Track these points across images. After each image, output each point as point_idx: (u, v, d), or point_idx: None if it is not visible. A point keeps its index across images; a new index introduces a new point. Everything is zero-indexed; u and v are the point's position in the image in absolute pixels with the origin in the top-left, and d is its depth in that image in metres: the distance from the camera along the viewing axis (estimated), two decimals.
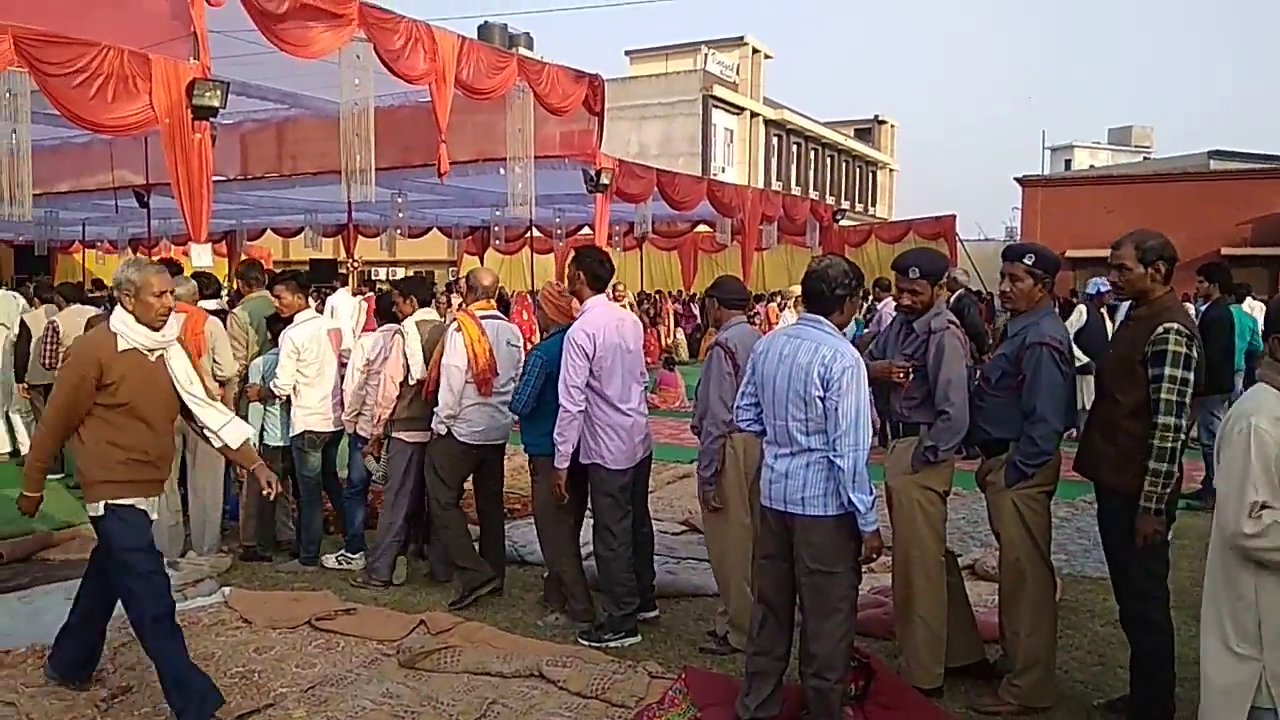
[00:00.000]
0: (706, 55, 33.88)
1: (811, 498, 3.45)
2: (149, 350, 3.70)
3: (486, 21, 32.80)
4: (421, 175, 13.32)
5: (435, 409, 5.08)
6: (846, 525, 3.45)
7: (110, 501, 3.62)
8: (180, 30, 8.16)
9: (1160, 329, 3.53)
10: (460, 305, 6.10)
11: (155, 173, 12.77)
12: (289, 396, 5.72)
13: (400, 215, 15.81)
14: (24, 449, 8.77)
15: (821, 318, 3.53)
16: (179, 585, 5.08)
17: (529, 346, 5.62)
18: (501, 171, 11.99)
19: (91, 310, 7.86)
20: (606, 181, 12.54)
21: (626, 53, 36.77)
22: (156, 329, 3.69)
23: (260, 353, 6.12)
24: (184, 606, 4.77)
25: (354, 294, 13.88)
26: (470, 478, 5.36)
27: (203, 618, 4.62)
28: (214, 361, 5.82)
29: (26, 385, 8.32)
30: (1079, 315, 9.75)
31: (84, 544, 6.07)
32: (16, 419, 9.05)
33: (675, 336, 21.55)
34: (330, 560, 5.79)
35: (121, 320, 3.66)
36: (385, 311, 5.79)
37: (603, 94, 12.41)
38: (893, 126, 51.57)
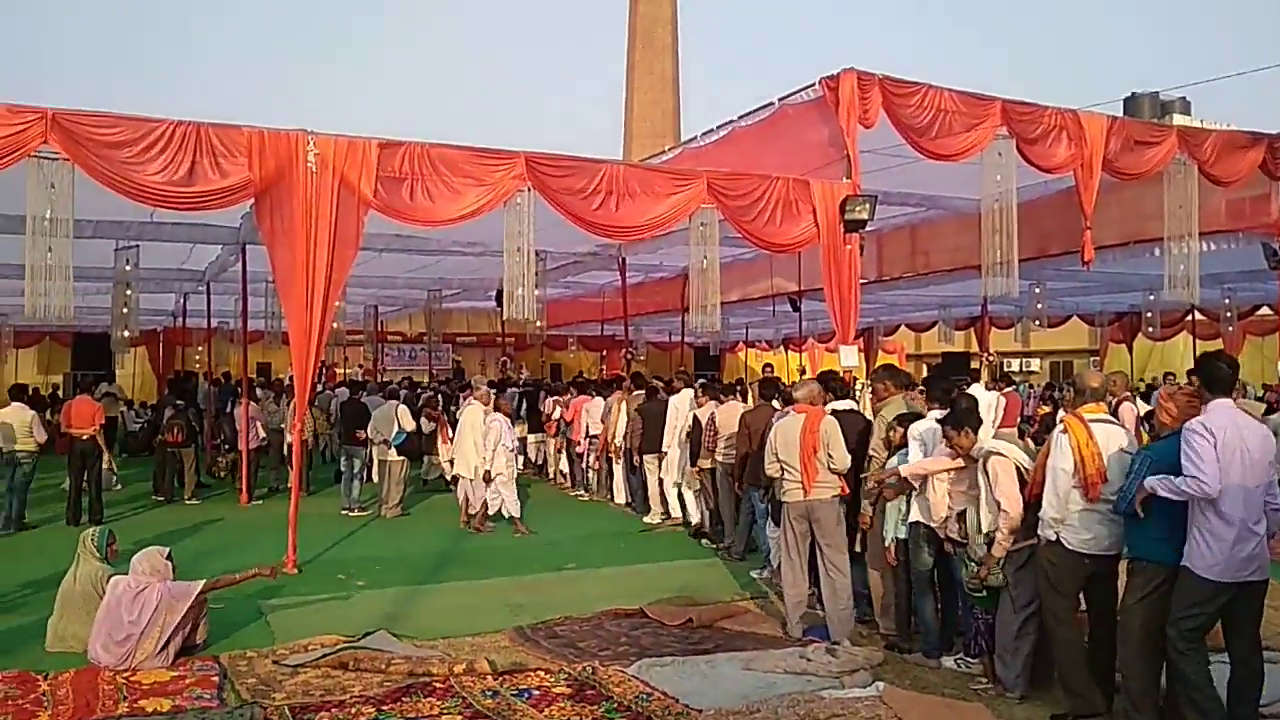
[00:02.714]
0: None
1: None
2: None
3: (1135, 93, 30.45)
4: (1062, 263, 12.76)
5: (1040, 513, 4.96)
6: None
7: None
8: (835, 154, 9.07)
9: None
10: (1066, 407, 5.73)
11: (807, 279, 14.22)
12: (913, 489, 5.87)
13: (1039, 306, 15.26)
14: (692, 519, 10.21)
15: None
16: (836, 673, 5.40)
17: None
18: (1156, 252, 10.93)
19: (741, 405, 8.99)
20: None
21: None
22: None
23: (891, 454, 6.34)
24: (840, 694, 5.05)
25: (987, 388, 13.63)
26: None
27: (860, 709, 4.80)
28: (829, 455, 6.27)
29: (698, 469, 9.71)
30: None
31: (756, 618, 6.84)
32: (688, 495, 10.51)
33: None
34: (949, 661, 5.70)
35: None
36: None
37: None
38: None
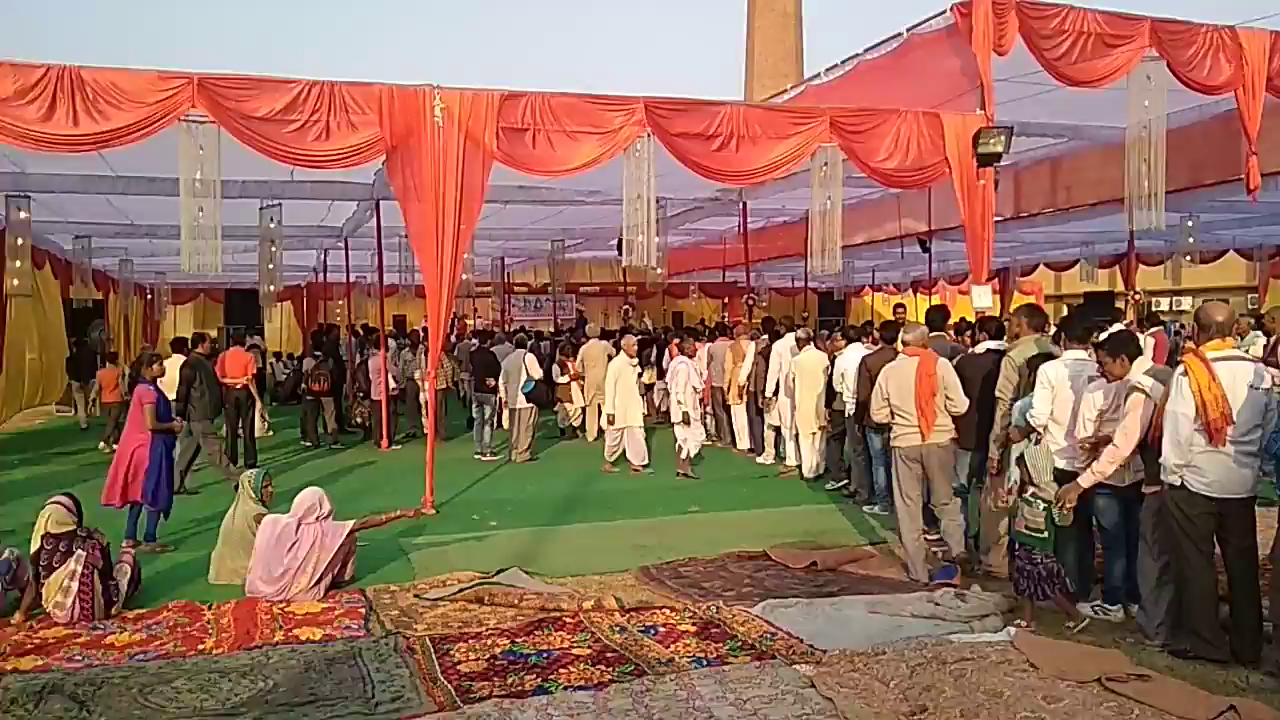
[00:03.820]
0: None
1: None
2: None
3: None
4: (1216, 194, 11.87)
5: (1161, 459, 4.77)
6: None
7: None
8: (967, 85, 8.66)
9: None
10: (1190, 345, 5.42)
11: (937, 219, 13.71)
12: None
13: (1190, 240, 14.29)
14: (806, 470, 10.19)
15: None
16: (965, 617, 5.32)
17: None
18: None
19: (860, 348, 8.89)
20: None
21: None
22: None
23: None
24: (971, 639, 4.97)
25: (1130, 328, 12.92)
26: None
27: (990, 653, 4.72)
28: (947, 398, 6.25)
29: (829, 410, 9.62)
30: None
31: (881, 562, 6.78)
32: (805, 440, 10.36)
33: None
34: (1086, 608, 5.53)
35: None
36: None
37: None
38: None
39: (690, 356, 11.18)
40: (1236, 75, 8.72)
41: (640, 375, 15.76)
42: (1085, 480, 5.16)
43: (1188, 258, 15.87)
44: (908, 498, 6.40)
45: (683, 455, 10.58)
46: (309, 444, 13.31)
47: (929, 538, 6.64)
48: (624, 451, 11.07)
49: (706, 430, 13.52)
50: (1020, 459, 5.56)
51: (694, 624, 5.34)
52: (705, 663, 4.76)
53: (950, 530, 6.50)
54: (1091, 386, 5.46)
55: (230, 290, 23.77)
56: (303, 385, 13.84)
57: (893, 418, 6.40)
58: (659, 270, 14.06)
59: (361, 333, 17.43)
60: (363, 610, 5.78)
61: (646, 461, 11.01)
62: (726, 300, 26.46)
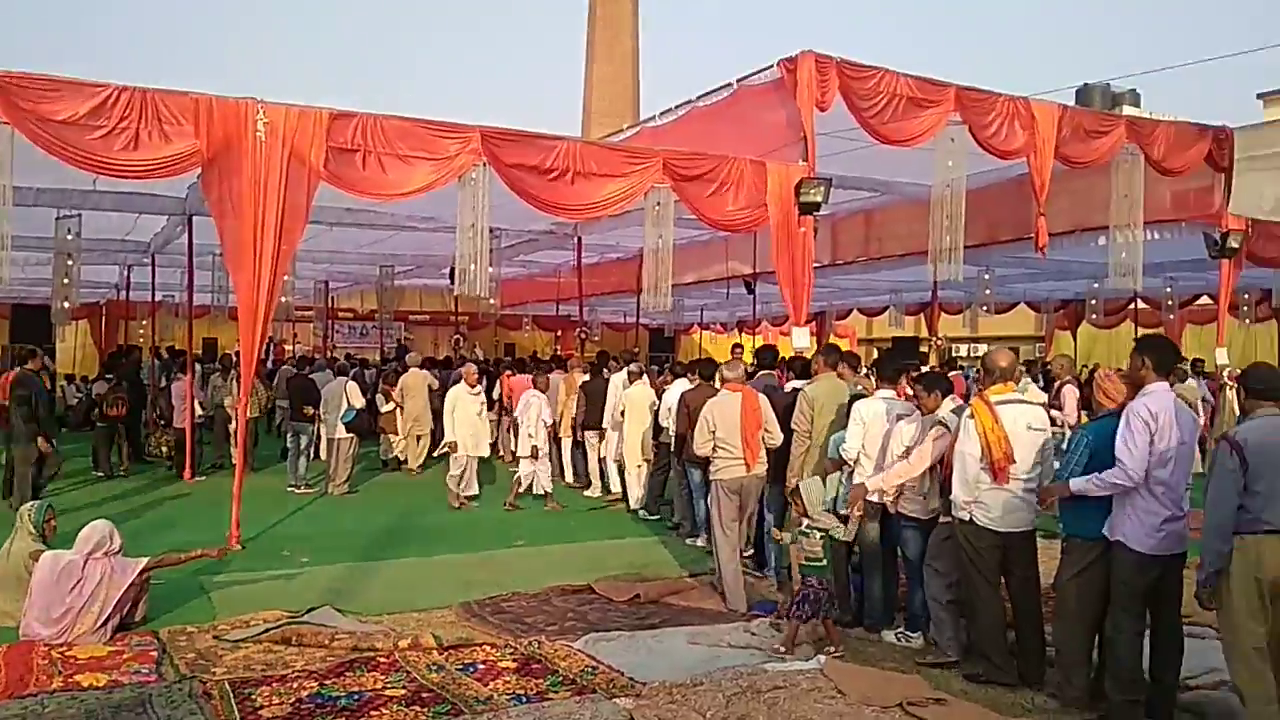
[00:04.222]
0: None
1: None
2: None
3: (1086, 84, 30.92)
4: (1010, 250, 12.94)
5: (952, 496, 5.17)
6: None
7: None
8: (791, 137, 9.07)
9: None
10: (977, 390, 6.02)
11: (761, 262, 14.27)
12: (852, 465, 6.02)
13: (987, 292, 15.49)
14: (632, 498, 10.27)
15: None
16: (779, 645, 5.47)
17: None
18: (1102, 241, 11.16)
19: (686, 384, 9.17)
20: (1235, 245, 10.92)
21: (1259, 95, 31.60)
22: None
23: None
24: (783, 667, 5.11)
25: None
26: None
27: (801, 681, 4.87)
28: (765, 431, 6.60)
29: (655, 444, 9.81)
30: None
31: (702, 594, 6.89)
32: (631, 473, 10.46)
33: None
34: (889, 635, 5.83)
35: None
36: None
37: (1231, 148, 10.90)
38: None
39: (544, 391, 11.06)
40: (1029, 143, 9.54)
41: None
42: (872, 484, 5.65)
43: (984, 308, 17.21)
44: (727, 529, 6.56)
45: (523, 488, 10.46)
46: (101, 474, 12.28)
47: (747, 573, 6.83)
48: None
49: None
50: (795, 491, 5.87)
51: (515, 660, 5.25)
52: (525, 699, 4.68)
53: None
54: (904, 421, 5.82)
55: (17, 305, 21.73)
56: (96, 410, 12.79)
57: (715, 451, 6.57)
58: (492, 301, 13.94)
59: (166, 355, 16.34)
60: (155, 653, 5.35)
61: (475, 493, 10.80)
62: (559, 333, 26.52)
